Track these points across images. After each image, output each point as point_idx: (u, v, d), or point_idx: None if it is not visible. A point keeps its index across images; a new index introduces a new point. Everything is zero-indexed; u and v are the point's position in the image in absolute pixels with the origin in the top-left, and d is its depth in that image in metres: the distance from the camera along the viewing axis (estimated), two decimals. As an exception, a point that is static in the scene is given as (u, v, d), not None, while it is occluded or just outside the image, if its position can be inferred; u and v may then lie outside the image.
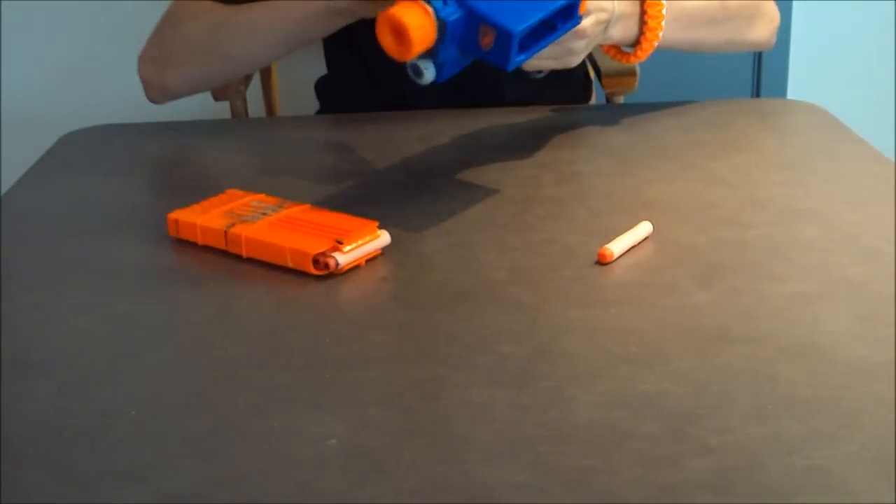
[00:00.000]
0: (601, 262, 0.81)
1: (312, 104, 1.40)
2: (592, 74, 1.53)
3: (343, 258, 0.79)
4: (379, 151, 1.08)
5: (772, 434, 0.59)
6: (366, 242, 0.81)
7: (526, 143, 1.09)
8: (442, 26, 0.83)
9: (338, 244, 0.80)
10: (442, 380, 0.66)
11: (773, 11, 1.21)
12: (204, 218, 0.85)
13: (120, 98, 2.18)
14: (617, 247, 0.81)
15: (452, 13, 0.83)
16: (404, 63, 0.86)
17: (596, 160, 1.04)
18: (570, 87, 1.38)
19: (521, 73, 0.99)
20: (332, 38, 1.37)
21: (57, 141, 1.17)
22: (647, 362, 0.67)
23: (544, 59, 0.96)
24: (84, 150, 1.15)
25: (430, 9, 0.83)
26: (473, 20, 0.84)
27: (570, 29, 0.92)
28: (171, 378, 0.68)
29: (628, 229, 0.84)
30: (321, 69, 1.40)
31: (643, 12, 1.04)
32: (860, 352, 0.67)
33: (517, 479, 0.56)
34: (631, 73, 1.38)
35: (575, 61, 0.97)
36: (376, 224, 0.83)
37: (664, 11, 1.04)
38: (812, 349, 0.68)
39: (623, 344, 0.69)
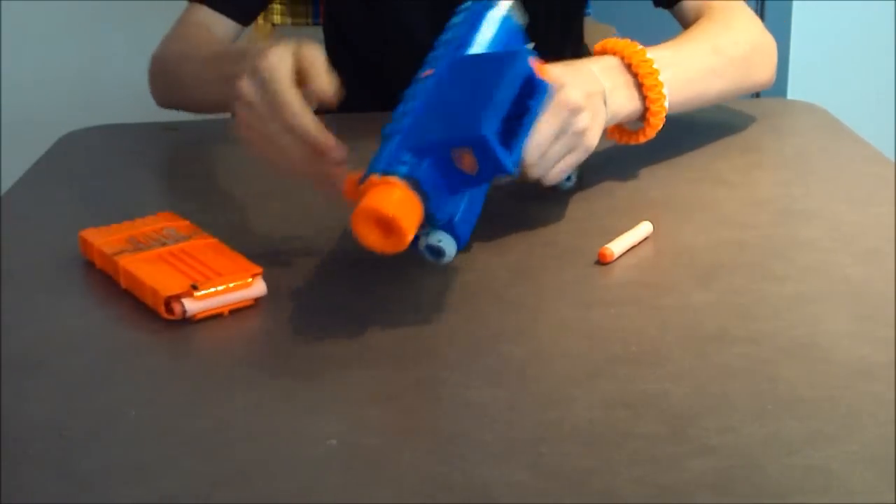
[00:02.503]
0: (601, 262, 0.81)
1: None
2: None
3: (193, 305, 0.73)
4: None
5: (772, 434, 0.59)
6: (228, 291, 0.74)
7: (526, 143, 1.09)
8: (416, 185, 0.70)
9: (192, 288, 0.73)
10: (442, 380, 0.66)
11: (770, 45, 1.10)
12: (103, 241, 0.82)
13: (120, 98, 2.18)
14: (617, 247, 0.81)
15: (417, 165, 0.71)
16: (415, 245, 0.73)
17: (596, 160, 1.03)
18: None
19: (552, 188, 0.89)
20: (332, 37, 1.37)
21: (57, 141, 1.17)
22: (647, 362, 0.67)
23: (562, 162, 0.85)
24: (84, 150, 1.15)
25: (396, 179, 0.70)
26: (441, 154, 0.71)
27: (544, 98, 0.77)
28: (172, 378, 0.68)
29: (628, 229, 0.84)
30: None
31: (635, 75, 0.92)
32: (860, 352, 0.67)
33: (517, 479, 0.56)
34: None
35: (592, 140, 0.86)
36: (253, 272, 0.76)
37: (655, 66, 0.92)
38: (812, 349, 0.68)
39: (623, 344, 0.69)
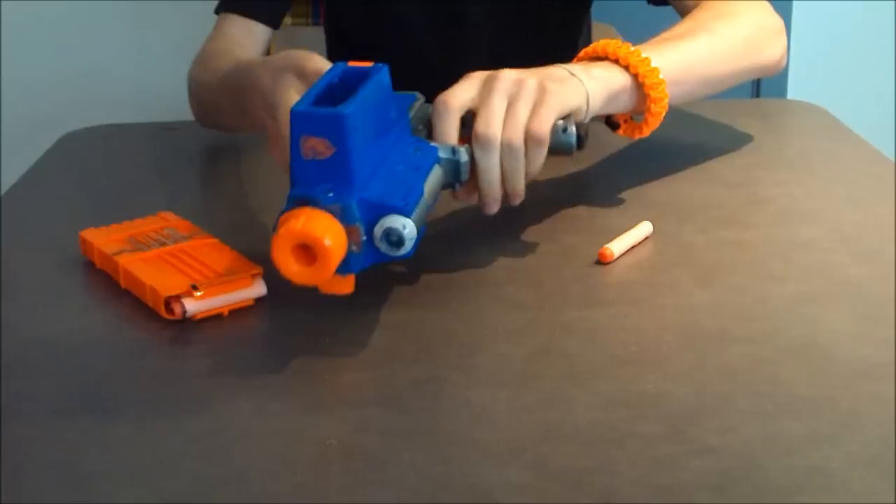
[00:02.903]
0: (601, 262, 0.81)
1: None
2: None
3: (193, 305, 0.73)
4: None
5: (772, 434, 0.59)
6: (228, 291, 0.74)
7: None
8: (309, 200, 0.68)
9: (192, 288, 0.73)
10: (442, 380, 0.66)
11: (776, 26, 1.07)
12: (103, 241, 0.82)
13: (120, 98, 2.19)
14: (617, 247, 0.81)
15: (299, 187, 0.69)
16: (379, 255, 0.70)
17: (597, 160, 1.03)
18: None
19: (559, 152, 0.82)
20: (333, 37, 1.37)
21: (57, 141, 1.17)
22: (647, 362, 0.67)
23: (540, 113, 0.79)
24: (84, 150, 1.15)
25: (299, 209, 0.67)
26: (300, 162, 0.69)
27: (368, 72, 0.75)
28: (172, 378, 0.68)
29: (628, 229, 0.84)
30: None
31: (612, 59, 0.88)
32: (860, 352, 0.67)
33: (517, 479, 0.56)
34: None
35: (562, 91, 0.81)
36: (253, 272, 0.76)
37: (644, 55, 0.89)
38: (812, 349, 0.68)
39: (623, 344, 0.69)
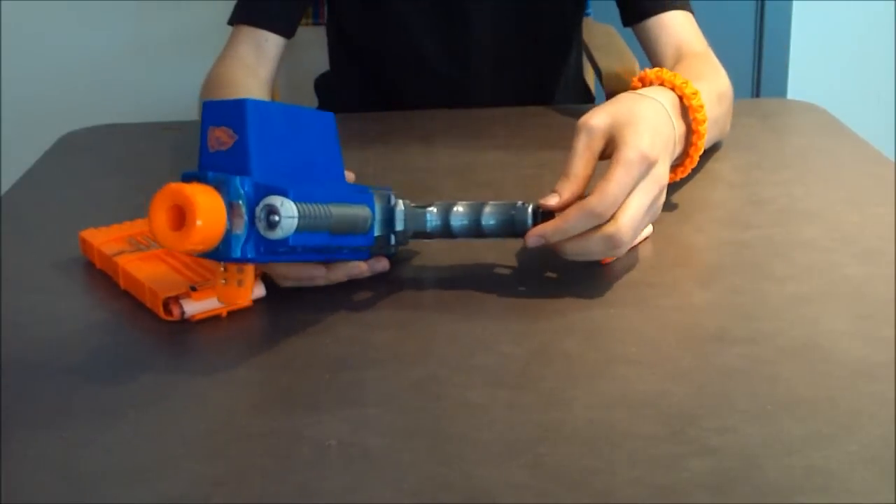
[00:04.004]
0: (601, 262, 0.81)
1: (312, 102, 1.40)
2: (593, 76, 1.53)
3: (192, 307, 0.73)
4: (379, 151, 1.08)
5: (772, 434, 0.59)
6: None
7: (526, 143, 1.09)
8: (204, 178, 0.68)
9: (191, 290, 0.73)
10: (442, 380, 0.66)
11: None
12: (103, 241, 0.82)
13: (120, 98, 2.19)
14: (617, 247, 0.81)
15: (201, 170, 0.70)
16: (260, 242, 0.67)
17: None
18: (574, 88, 1.38)
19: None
20: (335, 37, 1.38)
21: (57, 141, 1.17)
22: (647, 362, 0.67)
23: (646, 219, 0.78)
24: (84, 150, 1.15)
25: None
26: (207, 155, 0.70)
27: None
28: (171, 378, 0.68)
29: (628, 229, 0.84)
30: (322, 66, 1.41)
31: (692, 120, 0.87)
32: (860, 352, 0.67)
33: (517, 479, 0.56)
34: (632, 73, 1.38)
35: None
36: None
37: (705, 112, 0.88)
38: (812, 349, 0.68)
39: (623, 344, 0.69)
